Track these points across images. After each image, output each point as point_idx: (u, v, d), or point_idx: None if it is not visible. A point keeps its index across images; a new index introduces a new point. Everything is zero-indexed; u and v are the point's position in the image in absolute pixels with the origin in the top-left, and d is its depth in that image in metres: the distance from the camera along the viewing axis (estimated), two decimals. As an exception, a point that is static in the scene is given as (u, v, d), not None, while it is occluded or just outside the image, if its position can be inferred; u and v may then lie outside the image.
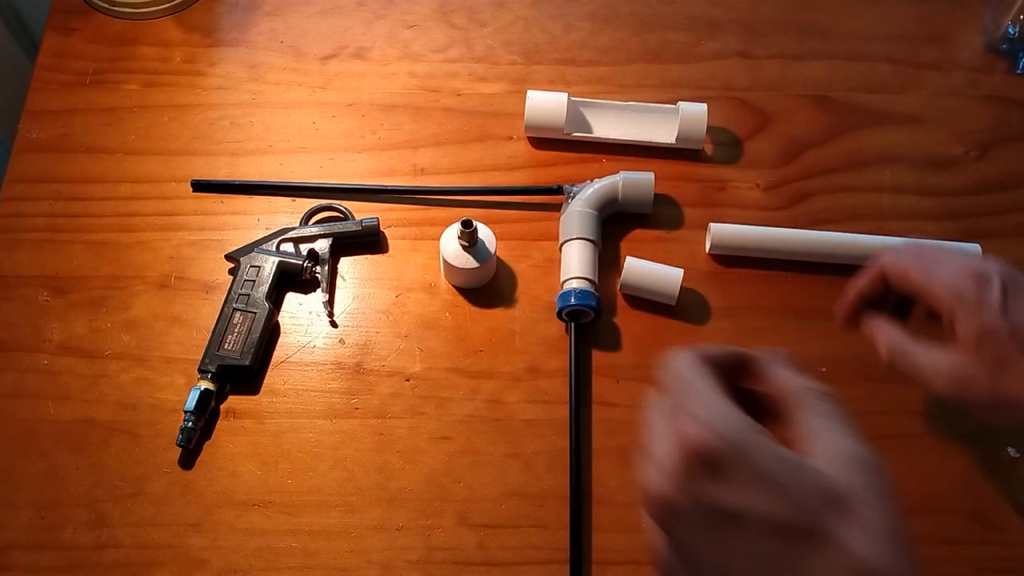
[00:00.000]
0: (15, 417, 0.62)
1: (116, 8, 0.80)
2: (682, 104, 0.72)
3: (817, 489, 0.32)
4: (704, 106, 0.71)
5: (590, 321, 0.64)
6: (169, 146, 0.74)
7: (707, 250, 0.70)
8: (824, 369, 0.65)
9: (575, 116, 0.74)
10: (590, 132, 0.74)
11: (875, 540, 0.32)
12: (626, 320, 0.67)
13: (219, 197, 0.71)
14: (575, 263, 0.64)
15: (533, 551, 0.58)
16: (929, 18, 0.83)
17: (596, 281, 0.64)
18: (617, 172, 0.68)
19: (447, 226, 0.66)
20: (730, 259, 0.69)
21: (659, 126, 0.74)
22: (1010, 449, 0.62)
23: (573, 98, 0.73)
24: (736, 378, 0.39)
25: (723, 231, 0.69)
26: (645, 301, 0.67)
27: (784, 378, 0.38)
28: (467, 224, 0.63)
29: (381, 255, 0.69)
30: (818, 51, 0.80)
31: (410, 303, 0.67)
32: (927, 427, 0.63)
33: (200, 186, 0.71)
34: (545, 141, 0.74)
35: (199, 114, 0.75)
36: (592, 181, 0.68)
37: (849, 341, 0.66)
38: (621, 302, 0.67)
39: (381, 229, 0.70)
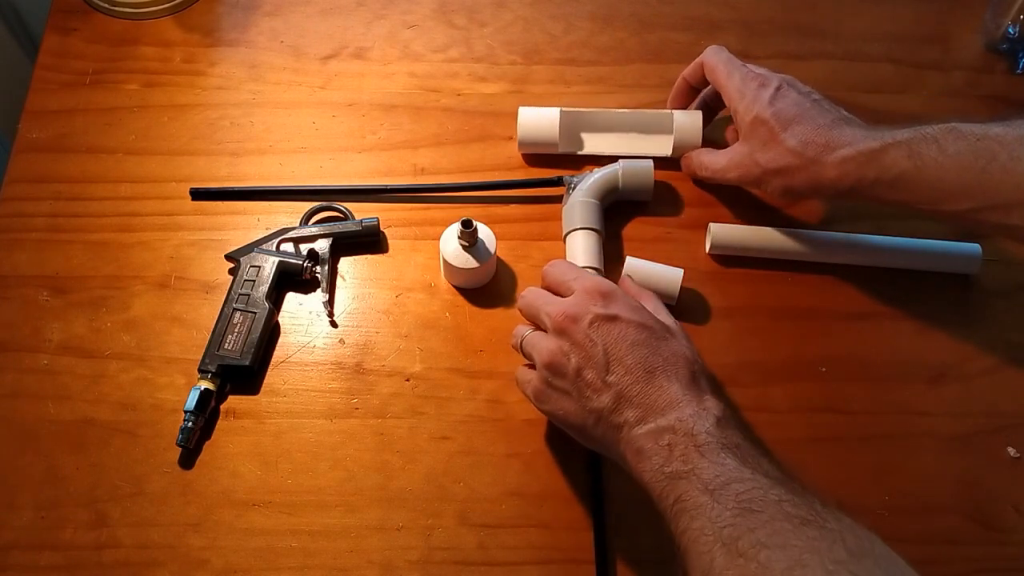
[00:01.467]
0: (15, 417, 0.62)
1: (116, 8, 0.80)
2: (676, 114, 0.71)
3: (662, 323, 0.55)
4: (699, 114, 0.71)
5: None
6: (169, 146, 0.74)
7: (707, 250, 0.70)
8: (824, 369, 0.65)
9: (569, 129, 0.73)
10: (582, 147, 0.73)
11: (691, 350, 0.54)
12: (626, 320, 0.67)
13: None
14: (580, 253, 0.65)
15: (533, 551, 0.58)
16: (929, 18, 0.83)
17: (602, 269, 0.65)
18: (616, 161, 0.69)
19: (447, 226, 0.66)
20: (730, 259, 0.69)
21: (655, 135, 0.73)
22: (1010, 449, 0.62)
23: (566, 109, 0.72)
24: None
25: (723, 231, 0.69)
26: (645, 301, 0.67)
27: (632, 286, 0.62)
28: (467, 224, 0.63)
29: (381, 255, 0.69)
30: (818, 51, 0.80)
31: (410, 303, 0.67)
32: (927, 427, 0.63)
33: (199, 194, 0.71)
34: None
35: (199, 114, 0.75)
36: (592, 171, 0.69)
37: (849, 341, 0.66)
38: (621, 302, 0.67)
39: (381, 229, 0.70)
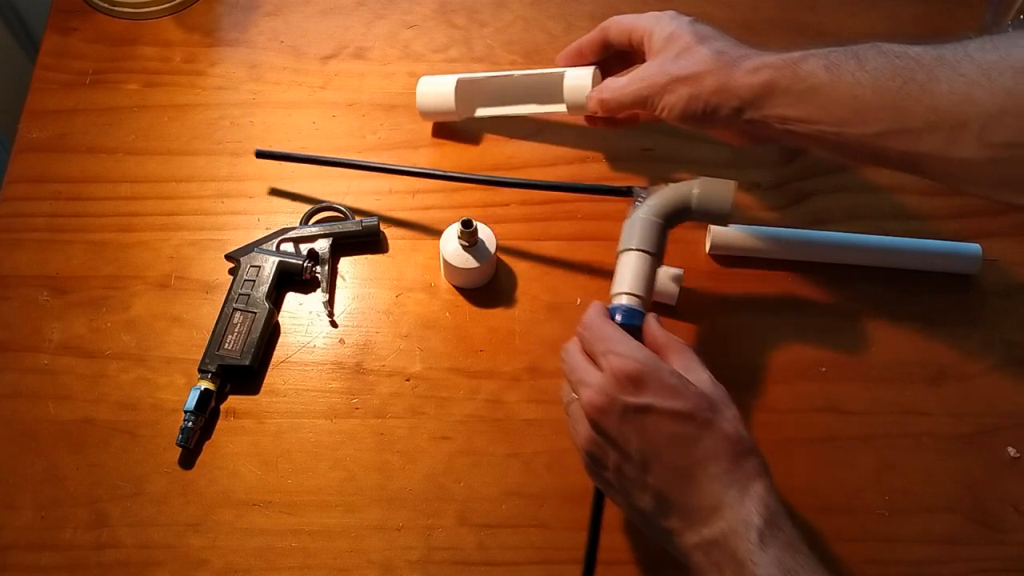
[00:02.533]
0: (15, 417, 0.62)
1: (116, 8, 0.80)
2: (567, 72, 0.69)
3: (701, 395, 0.49)
4: (592, 68, 0.68)
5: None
6: (169, 146, 0.74)
7: (707, 250, 0.70)
8: (824, 369, 0.65)
9: (467, 96, 0.73)
10: (480, 112, 0.73)
11: (735, 423, 0.49)
12: (626, 320, 0.67)
13: (218, 197, 0.71)
14: (626, 277, 0.58)
15: (533, 551, 0.58)
16: (929, 18, 0.83)
17: (648, 298, 0.58)
18: (695, 177, 0.61)
19: (447, 226, 0.66)
20: (730, 259, 0.69)
21: (550, 98, 0.71)
22: (1010, 449, 0.62)
23: (462, 77, 0.72)
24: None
25: (723, 231, 0.69)
26: (645, 301, 0.67)
27: (661, 333, 0.54)
28: (467, 224, 0.63)
29: (381, 255, 0.69)
30: (818, 51, 0.80)
31: (410, 303, 0.67)
32: (927, 427, 0.63)
33: (263, 154, 0.71)
34: (559, 138, 0.74)
35: (199, 114, 0.75)
36: (666, 185, 0.61)
37: (849, 341, 0.66)
38: (621, 302, 0.67)
39: (381, 229, 0.70)
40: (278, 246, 0.67)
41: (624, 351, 0.50)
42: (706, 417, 0.48)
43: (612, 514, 0.60)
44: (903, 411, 0.64)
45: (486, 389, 0.64)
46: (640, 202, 0.61)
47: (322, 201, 0.71)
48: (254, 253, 0.67)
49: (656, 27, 0.61)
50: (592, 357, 0.52)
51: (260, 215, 0.71)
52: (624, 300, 0.57)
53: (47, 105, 0.76)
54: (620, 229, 0.70)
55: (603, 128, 0.69)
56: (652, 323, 0.55)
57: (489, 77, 0.72)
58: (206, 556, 0.58)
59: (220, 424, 0.62)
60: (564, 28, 0.81)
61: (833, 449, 0.62)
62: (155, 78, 0.77)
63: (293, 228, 0.68)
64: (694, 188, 0.60)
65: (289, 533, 0.58)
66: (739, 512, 0.45)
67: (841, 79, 0.52)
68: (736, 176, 0.73)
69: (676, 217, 0.60)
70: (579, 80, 0.67)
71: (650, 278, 0.59)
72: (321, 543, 0.58)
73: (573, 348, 0.53)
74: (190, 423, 0.60)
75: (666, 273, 0.66)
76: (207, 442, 0.61)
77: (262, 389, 0.63)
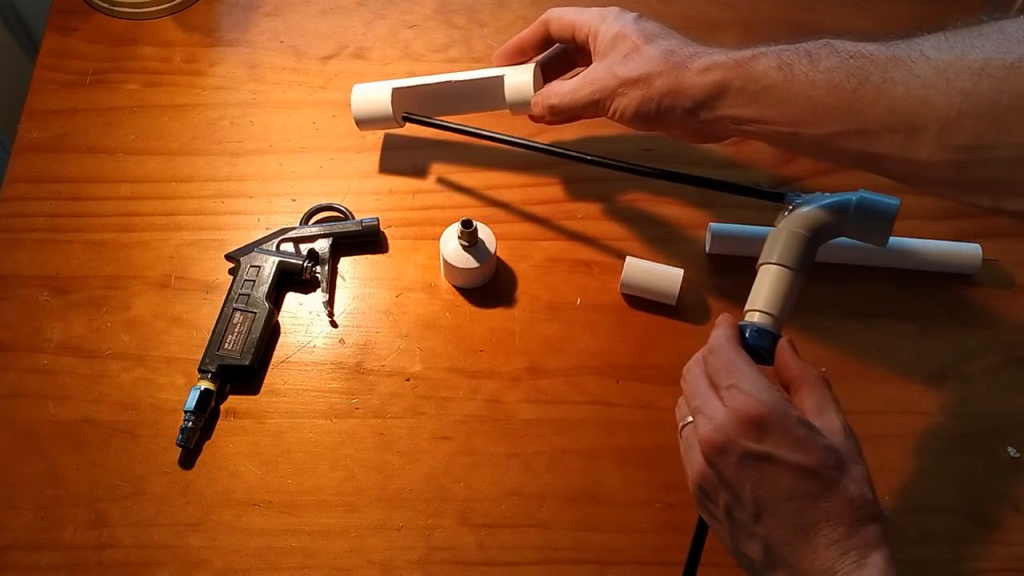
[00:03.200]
0: (15, 417, 0.62)
1: (116, 8, 0.80)
2: (507, 71, 0.66)
3: (828, 449, 0.45)
4: (532, 65, 0.66)
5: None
6: (169, 146, 0.74)
7: (707, 250, 0.70)
8: (824, 369, 0.65)
9: (404, 104, 0.70)
10: (428, 116, 0.69)
11: (861, 484, 0.45)
12: (626, 320, 0.67)
13: (218, 197, 0.71)
14: (761, 294, 0.54)
15: (533, 551, 0.58)
16: (929, 18, 0.83)
17: (782, 318, 0.53)
18: (857, 189, 0.56)
19: (447, 226, 0.66)
20: (730, 259, 0.69)
21: (491, 94, 0.68)
22: (1010, 449, 0.62)
23: (397, 86, 0.69)
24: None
25: (723, 231, 0.69)
26: (645, 301, 0.67)
27: (795, 363, 0.50)
28: (467, 224, 0.63)
29: (381, 255, 0.69)
30: (818, 51, 0.80)
31: (410, 303, 0.67)
32: (927, 427, 0.63)
33: (409, 119, 0.70)
34: (559, 138, 0.74)
35: (199, 114, 0.75)
36: (821, 194, 0.56)
37: (849, 341, 0.66)
38: (621, 302, 0.67)
39: (381, 229, 0.70)
40: (278, 246, 0.67)
41: (750, 389, 0.46)
42: (830, 476, 0.44)
43: (605, 515, 0.60)
44: (903, 411, 0.64)
45: (486, 389, 0.64)
46: (790, 211, 0.55)
47: (322, 201, 0.71)
48: (254, 253, 0.67)
49: (601, 26, 0.59)
50: (715, 386, 0.48)
51: (260, 215, 0.71)
52: (757, 318, 0.53)
53: (47, 105, 0.76)
54: (620, 229, 0.70)
55: (546, 124, 0.67)
56: (786, 350, 0.51)
57: (426, 84, 0.69)
58: (206, 556, 0.58)
59: (220, 424, 0.62)
60: (564, 28, 0.81)
61: (833, 449, 0.62)
62: (155, 78, 0.77)
63: (293, 228, 0.68)
64: (852, 204, 0.54)
65: (289, 533, 0.58)
66: None
67: (794, 79, 0.51)
68: (736, 176, 0.73)
69: (828, 232, 0.55)
70: (520, 79, 0.65)
71: (789, 296, 0.54)
72: (321, 543, 0.58)
73: (697, 370, 0.50)
74: (190, 423, 0.60)
75: (666, 273, 0.66)
76: (207, 442, 0.61)
77: (262, 389, 0.63)
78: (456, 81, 0.68)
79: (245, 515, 0.59)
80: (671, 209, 0.72)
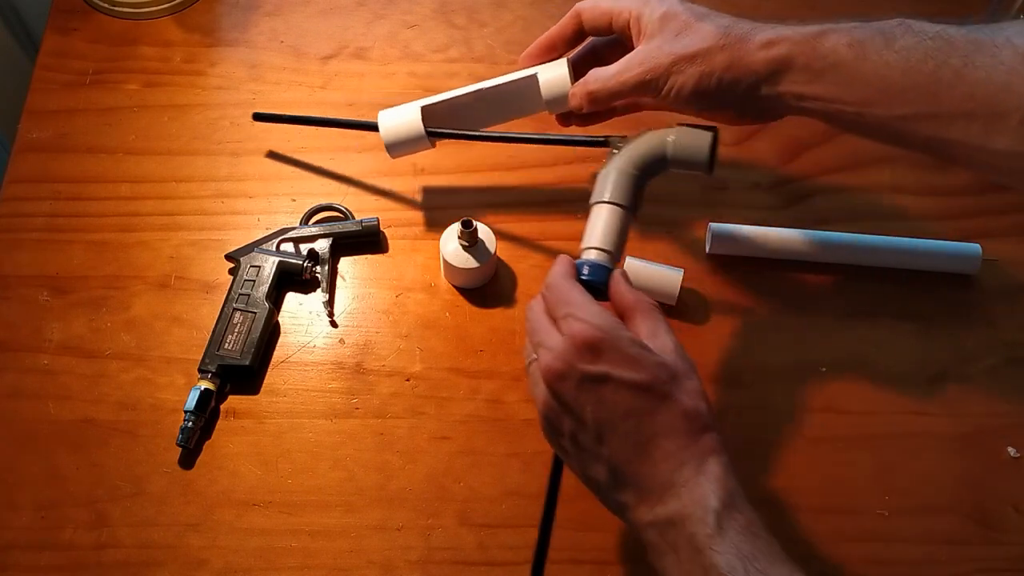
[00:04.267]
0: (15, 417, 0.62)
1: (116, 8, 0.80)
2: (539, 69, 0.63)
3: (661, 366, 0.47)
4: (564, 61, 0.62)
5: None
6: (169, 146, 0.74)
7: (707, 250, 0.70)
8: (824, 369, 0.65)
9: (436, 122, 0.66)
10: (457, 128, 0.66)
11: (694, 397, 0.47)
12: (626, 320, 0.67)
13: (218, 197, 0.71)
14: (596, 232, 0.56)
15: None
16: (930, 18, 0.83)
17: (617, 254, 0.55)
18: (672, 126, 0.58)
19: (447, 226, 0.66)
20: (730, 259, 0.69)
21: (525, 96, 0.64)
22: (1010, 449, 0.62)
23: (426, 104, 0.65)
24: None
25: (723, 231, 0.69)
26: (645, 301, 0.67)
27: (629, 292, 0.52)
28: (467, 224, 0.63)
29: (381, 255, 0.69)
30: (818, 51, 0.80)
31: (410, 303, 0.67)
32: (927, 427, 0.63)
33: (261, 117, 0.71)
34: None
35: (199, 114, 0.75)
36: (641, 133, 0.58)
37: (849, 341, 0.66)
38: (621, 302, 0.67)
39: (381, 229, 0.70)
40: (278, 246, 0.67)
41: (585, 316, 0.48)
42: (664, 390, 0.46)
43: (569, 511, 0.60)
44: (903, 411, 0.64)
45: (486, 389, 0.64)
46: (616, 152, 0.58)
47: (322, 201, 0.71)
48: (254, 253, 0.67)
49: (645, 8, 0.56)
50: (554, 319, 0.50)
51: (260, 215, 0.71)
52: (592, 255, 0.55)
53: (47, 105, 0.76)
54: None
55: (577, 126, 0.64)
56: (619, 281, 0.52)
57: (456, 97, 0.65)
58: (206, 556, 0.58)
59: (220, 424, 0.62)
60: (564, 28, 0.81)
61: (833, 449, 0.62)
62: (155, 78, 0.77)
63: (293, 228, 0.68)
64: (670, 136, 0.57)
65: (289, 533, 0.58)
66: (695, 493, 0.44)
67: (866, 58, 0.49)
68: (736, 176, 0.73)
69: (653, 168, 0.57)
70: (555, 73, 0.62)
71: (622, 233, 0.56)
72: (321, 543, 0.58)
73: (537, 307, 0.51)
74: (190, 423, 0.60)
75: (666, 273, 0.66)
76: (207, 442, 0.61)
77: (262, 389, 0.63)
78: (487, 88, 0.65)
79: (245, 515, 0.59)
80: (671, 209, 0.72)
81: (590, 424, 0.47)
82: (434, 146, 0.66)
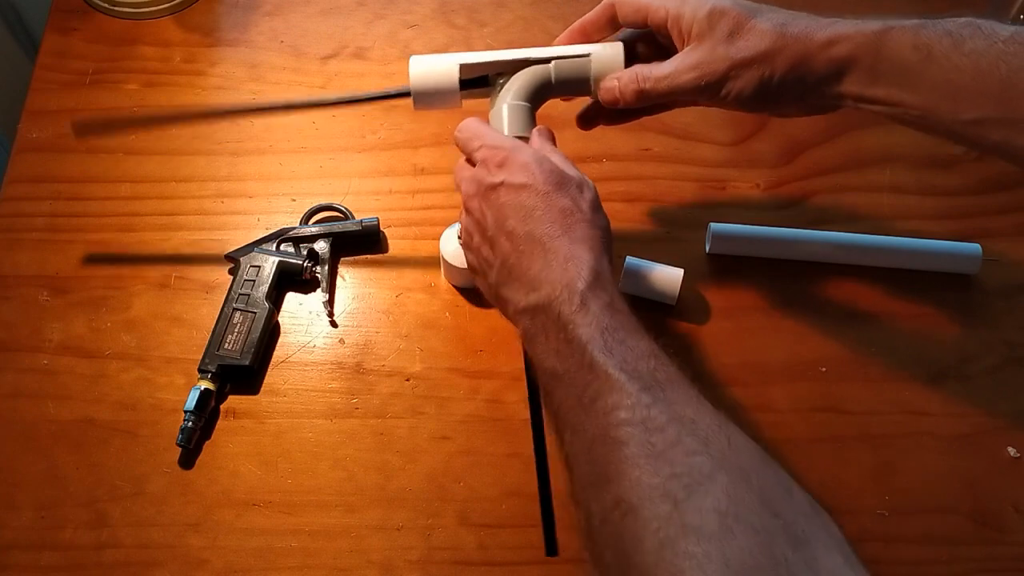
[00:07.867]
0: (15, 417, 0.62)
1: (116, 8, 0.80)
2: (593, 47, 0.59)
3: (551, 172, 0.49)
4: (619, 44, 0.59)
5: None
6: (169, 146, 0.74)
7: (707, 250, 0.70)
8: (824, 369, 0.65)
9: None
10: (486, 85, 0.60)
11: (575, 198, 0.49)
12: (626, 320, 0.67)
13: (218, 197, 0.71)
14: (506, 126, 0.56)
15: (533, 551, 0.58)
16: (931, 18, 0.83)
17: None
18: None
19: (447, 226, 0.66)
20: (730, 259, 0.69)
21: (569, 75, 0.59)
22: (1010, 449, 0.62)
23: (465, 62, 0.58)
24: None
25: (723, 231, 0.69)
26: (645, 301, 0.67)
27: (533, 134, 0.54)
28: (467, 224, 0.63)
29: (381, 255, 0.69)
30: (818, 51, 0.80)
31: (410, 303, 0.67)
32: (927, 427, 0.63)
33: (83, 128, 0.69)
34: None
35: (199, 114, 0.75)
36: (523, 64, 0.57)
37: (849, 341, 0.66)
38: (621, 302, 0.67)
39: (381, 229, 0.70)
40: (278, 246, 0.67)
41: (492, 141, 0.52)
42: (547, 189, 0.48)
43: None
44: (903, 411, 0.64)
45: (486, 389, 0.64)
46: (500, 88, 0.57)
47: (322, 201, 0.71)
48: (254, 253, 0.67)
49: (684, 8, 0.53)
50: (471, 160, 0.53)
51: (260, 215, 0.71)
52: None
53: (47, 105, 0.76)
54: (620, 229, 0.70)
55: (604, 125, 0.62)
56: (535, 134, 0.54)
57: (495, 60, 0.59)
58: (206, 556, 0.58)
59: (220, 424, 0.62)
60: (564, 28, 0.81)
61: (833, 449, 0.62)
62: (155, 78, 0.77)
63: (293, 228, 0.68)
64: (551, 64, 0.58)
65: (289, 533, 0.58)
66: (563, 277, 0.46)
67: (933, 60, 0.47)
68: (737, 175, 0.73)
69: (541, 95, 0.58)
70: (610, 54, 0.58)
71: (529, 124, 0.56)
72: (321, 543, 0.58)
73: (460, 164, 0.54)
74: (190, 423, 0.60)
75: (666, 273, 0.66)
76: (207, 442, 0.61)
77: (262, 389, 0.63)
78: (534, 58, 0.58)
79: (245, 515, 0.59)
80: (671, 209, 0.72)
81: (489, 230, 0.49)
82: (460, 105, 0.60)
